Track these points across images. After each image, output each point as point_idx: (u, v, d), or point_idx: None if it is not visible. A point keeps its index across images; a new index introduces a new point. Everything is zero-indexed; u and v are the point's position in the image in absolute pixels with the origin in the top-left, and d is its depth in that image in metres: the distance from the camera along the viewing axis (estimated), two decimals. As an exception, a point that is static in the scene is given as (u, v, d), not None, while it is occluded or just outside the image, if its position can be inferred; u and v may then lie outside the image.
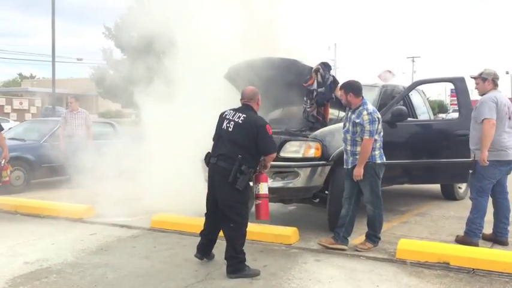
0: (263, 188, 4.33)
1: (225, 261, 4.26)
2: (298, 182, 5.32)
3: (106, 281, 4.09)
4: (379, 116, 4.81)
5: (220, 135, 4.30)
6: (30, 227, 5.98)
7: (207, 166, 4.36)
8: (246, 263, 4.24)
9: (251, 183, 4.37)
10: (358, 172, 4.72)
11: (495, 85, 5.00)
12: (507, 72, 60.05)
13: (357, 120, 4.73)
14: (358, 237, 5.21)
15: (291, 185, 5.35)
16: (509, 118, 4.95)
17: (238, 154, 4.10)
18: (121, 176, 9.80)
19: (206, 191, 4.44)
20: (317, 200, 5.87)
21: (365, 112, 4.72)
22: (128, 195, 7.62)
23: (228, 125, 4.24)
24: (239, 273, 4.15)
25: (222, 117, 4.35)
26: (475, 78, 5.09)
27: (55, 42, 22.60)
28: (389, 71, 23.32)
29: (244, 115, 4.22)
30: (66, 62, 48.15)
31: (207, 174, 6.06)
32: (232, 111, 4.32)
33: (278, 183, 5.40)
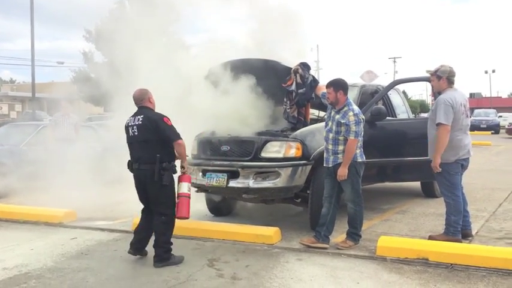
0: (182, 188, 4.61)
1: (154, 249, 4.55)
2: (280, 182, 5.34)
3: (86, 285, 4.05)
4: (364, 117, 4.88)
5: (131, 143, 4.63)
6: (9, 233, 5.89)
7: (131, 172, 4.65)
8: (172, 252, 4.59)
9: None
10: (343, 172, 4.77)
11: (450, 83, 4.97)
12: (486, 72, 61.16)
13: (342, 121, 4.78)
14: (339, 235, 5.26)
15: (272, 185, 5.37)
16: (467, 116, 4.98)
17: (154, 154, 4.42)
18: (102, 180, 9.74)
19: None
20: (299, 199, 5.90)
21: (351, 113, 4.77)
22: (109, 198, 7.58)
23: (132, 130, 4.57)
24: (165, 262, 4.49)
25: (126, 127, 4.65)
26: (431, 74, 5.11)
27: (34, 45, 22.26)
28: (372, 72, 23.64)
29: (141, 116, 4.54)
30: (46, 65, 47.36)
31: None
32: (132, 118, 4.62)
33: (259, 184, 5.42)
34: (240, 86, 5.78)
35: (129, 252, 4.71)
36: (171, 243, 4.60)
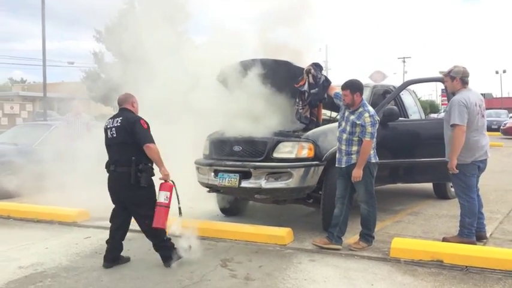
0: (160, 197, 4.49)
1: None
2: (292, 183, 5.34)
3: (101, 284, 4.08)
4: (378, 118, 4.87)
5: (109, 145, 4.62)
6: (24, 232, 5.95)
7: (108, 173, 4.63)
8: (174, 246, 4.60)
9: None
10: (358, 173, 4.75)
11: (464, 84, 4.92)
12: (497, 72, 60.55)
13: (358, 122, 4.77)
14: (352, 236, 5.25)
15: (284, 186, 5.37)
16: (483, 116, 4.93)
17: (131, 156, 4.41)
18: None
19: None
20: (311, 200, 5.89)
21: (367, 114, 4.77)
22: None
23: (111, 132, 4.57)
24: (173, 260, 4.50)
25: (105, 129, 4.65)
26: (444, 75, 5.08)
27: (45, 45, 22.45)
28: (381, 72, 23.49)
29: (121, 118, 4.56)
30: (57, 65, 47.84)
31: (200, 175, 6.12)
32: (110, 120, 4.63)
33: (272, 184, 5.42)
34: (251, 86, 5.78)
35: (105, 266, 4.53)
36: (170, 239, 4.60)
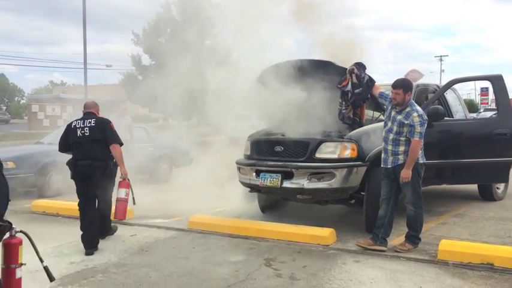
0: (120, 193, 5.53)
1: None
2: (335, 183, 5.31)
3: (150, 280, 4.18)
4: (427, 117, 4.79)
5: (79, 142, 5.26)
6: (73, 229, 6.14)
7: (72, 169, 5.25)
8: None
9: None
10: (407, 174, 4.68)
11: None
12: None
13: (406, 121, 4.70)
14: (396, 238, 5.17)
15: (327, 186, 5.34)
16: None
17: (106, 152, 5.25)
18: (155, 179, 10.01)
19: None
20: (353, 201, 5.84)
21: (415, 114, 4.69)
22: (162, 197, 7.79)
23: (82, 131, 5.26)
24: (106, 234, 5.50)
25: (72, 128, 5.33)
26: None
27: (86, 49, 23.16)
28: (417, 71, 22.96)
29: (93, 119, 5.35)
30: (95, 68, 49.25)
31: (242, 175, 6.17)
32: (80, 121, 5.35)
33: (314, 185, 5.41)
34: (293, 87, 5.78)
35: (86, 254, 4.97)
36: (111, 221, 5.62)
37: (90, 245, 5.06)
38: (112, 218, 5.67)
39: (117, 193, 5.54)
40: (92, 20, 44.92)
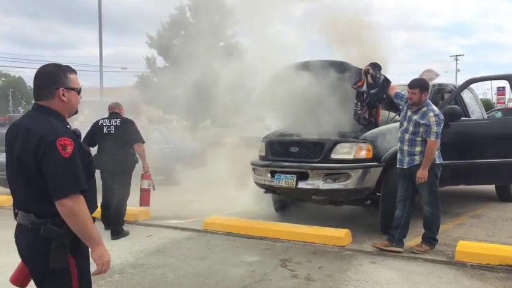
0: (144, 184, 6.13)
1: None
2: (350, 184, 5.29)
3: (166, 280, 4.22)
4: (443, 117, 4.75)
5: (104, 139, 5.73)
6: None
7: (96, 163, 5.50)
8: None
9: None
10: (423, 174, 4.63)
11: None
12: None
13: (422, 121, 4.67)
14: (412, 239, 5.13)
15: (342, 187, 5.32)
16: None
17: (128, 149, 5.75)
18: (171, 181, 10.08)
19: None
20: (368, 201, 5.81)
21: (431, 113, 4.66)
22: (178, 198, 7.85)
23: (108, 129, 5.76)
24: (120, 235, 5.70)
25: (99, 126, 5.82)
26: None
27: (102, 53, 23.43)
28: (432, 70, 22.71)
29: (119, 119, 5.85)
30: (111, 71, 49.81)
31: (257, 176, 6.19)
32: (106, 120, 5.85)
33: (329, 185, 5.39)
34: (307, 87, 5.77)
35: (106, 229, 5.75)
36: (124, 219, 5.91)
37: (115, 232, 5.68)
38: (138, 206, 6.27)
39: (141, 184, 6.14)
40: (108, 22, 45.41)
